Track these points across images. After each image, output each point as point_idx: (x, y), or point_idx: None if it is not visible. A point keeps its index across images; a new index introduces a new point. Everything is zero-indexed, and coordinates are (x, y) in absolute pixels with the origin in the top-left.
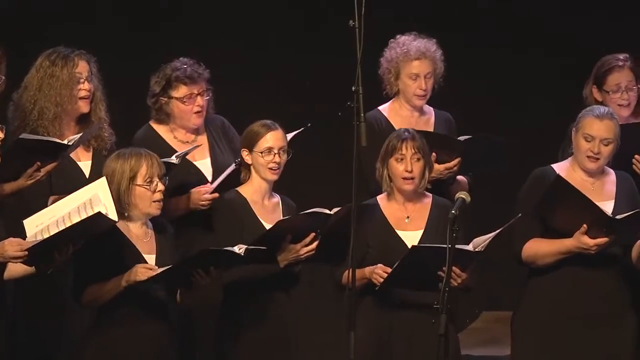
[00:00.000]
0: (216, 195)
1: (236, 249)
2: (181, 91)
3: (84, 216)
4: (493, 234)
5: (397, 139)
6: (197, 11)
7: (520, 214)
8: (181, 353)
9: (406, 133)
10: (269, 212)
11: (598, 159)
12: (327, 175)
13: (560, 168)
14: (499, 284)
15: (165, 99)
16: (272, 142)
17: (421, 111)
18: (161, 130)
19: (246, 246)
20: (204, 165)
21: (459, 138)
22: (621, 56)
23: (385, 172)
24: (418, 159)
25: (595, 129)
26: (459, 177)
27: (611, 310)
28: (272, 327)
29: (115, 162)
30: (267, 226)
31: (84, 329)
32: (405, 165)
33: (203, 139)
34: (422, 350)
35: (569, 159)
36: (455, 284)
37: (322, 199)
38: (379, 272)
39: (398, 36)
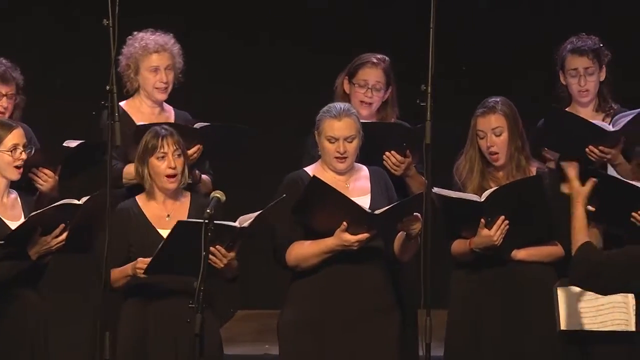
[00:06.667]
0: None
1: None
2: None
3: None
4: (256, 213)
5: (155, 137)
6: None
7: (284, 195)
8: None
9: (163, 130)
10: (8, 208)
11: (346, 157)
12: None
13: (313, 170)
14: (253, 283)
15: None
16: (17, 139)
17: (162, 109)
18: None
19: None
20: None
21: (195, 125)
22: (379, 55)
23: (145, 171)
24: (179, 155)
25: (337, 129)
26: (204, 176)
27: (377, 305)
28: (17, 326)
29: None
30: (9, 223)
31: None
32: (167, 162)
33: None
34: (183, 350)
35: (319, 161)
36: (222, 265)
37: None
38: (140, 265)
39: (135, 32)
